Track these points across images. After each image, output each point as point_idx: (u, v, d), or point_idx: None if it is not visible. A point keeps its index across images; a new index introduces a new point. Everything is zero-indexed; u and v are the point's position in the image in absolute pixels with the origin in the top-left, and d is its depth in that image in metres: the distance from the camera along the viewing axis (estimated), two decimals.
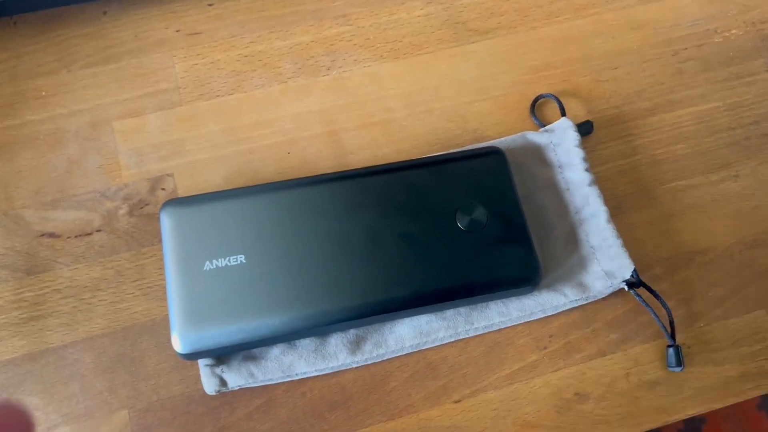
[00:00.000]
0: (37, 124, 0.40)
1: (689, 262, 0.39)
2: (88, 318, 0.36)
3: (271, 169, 0.40)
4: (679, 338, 0.37)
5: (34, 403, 0.34)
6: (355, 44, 0.43)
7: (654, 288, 0.37)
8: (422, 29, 0.44)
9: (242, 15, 0.44)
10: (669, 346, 0.36)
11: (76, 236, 0.37)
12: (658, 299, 0.37)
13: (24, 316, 0.36)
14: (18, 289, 0.36)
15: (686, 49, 0.44)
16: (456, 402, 0.35)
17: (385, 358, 0.36)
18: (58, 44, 0.42)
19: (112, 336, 0.36)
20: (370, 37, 0.44)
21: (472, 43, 0.44)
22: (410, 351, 0.36)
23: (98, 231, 0.38)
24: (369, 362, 0.36)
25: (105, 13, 0.43)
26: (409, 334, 0.36)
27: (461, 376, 0.36)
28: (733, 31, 0.45)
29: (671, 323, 0.36)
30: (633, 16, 0.45)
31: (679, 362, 0.36)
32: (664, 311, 0.37)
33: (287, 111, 0.41)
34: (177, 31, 0.43)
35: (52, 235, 0.37)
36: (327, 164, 0.40)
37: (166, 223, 0.35)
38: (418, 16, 0.44)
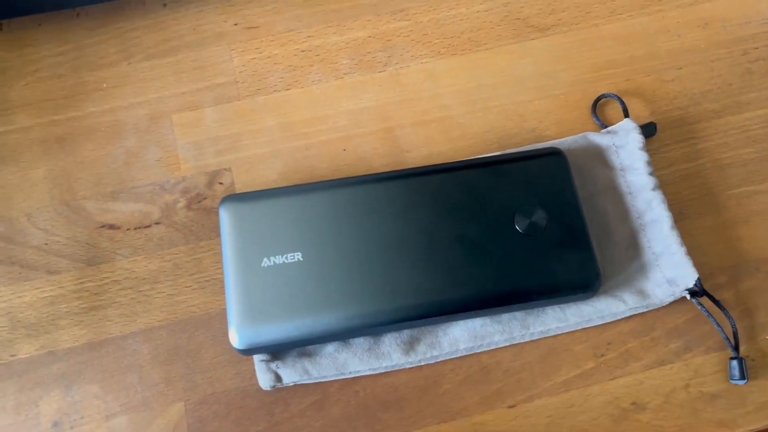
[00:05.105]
0: (98, 116, 0.41)
1: (754, 272, 0.38)
2: (146, 309, 0.36)
3: (326, 166, 0.40)
4: (743, 350, 0.36)
5: (93, 391, 0.35)
6: (412, 40, 0.43)
7: (717, 297, 0.36)
8: (481, 25, 0.43)
9: (299, 9, 0.43)
10: (732, 358, 0.35)
11: (135, 228, 0.38)
12: (721, 309, 0.36)
13: (85, 305, 0.36)
14: (79, 279, 0.37)
15: (757, 48, 0.43)
16: (510, 407, 0.35)
17: (438, 360, 0.35)
18: (119, 36, 0.43)
19: (169, 328, 0.36)
20: (427, 33, 0.43)
21: (532, 39, 0.43)
22: (464, 354, 0.36)
23: (157, 224, 0.38)
24: (422, 363, 0.35)
25: (165, 5, 0.43)
26: (463, 336, 0.35)
27: (516, 381, 0.35)
28: None
29: (735, 334, 0.35)
30: (700, 13, 0.44)
31: (743, 375, 0.35)
32: (727, 321, 0.36)
33: (343, 107, 0.41)
34: (235, 24, 0.43)
35: (111, 226, 0.38)
36: (382, 162, 0.40)
37: (225, 218, 0.35)
38: (477, 12, 0.43)
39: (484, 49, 0.43)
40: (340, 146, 0.40)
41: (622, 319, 0.36)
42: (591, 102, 0.41)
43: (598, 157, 0.39)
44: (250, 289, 0.34)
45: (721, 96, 0.42)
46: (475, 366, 0.36)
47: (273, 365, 0.34)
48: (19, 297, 0.37)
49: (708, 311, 0.35)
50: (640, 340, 0.36)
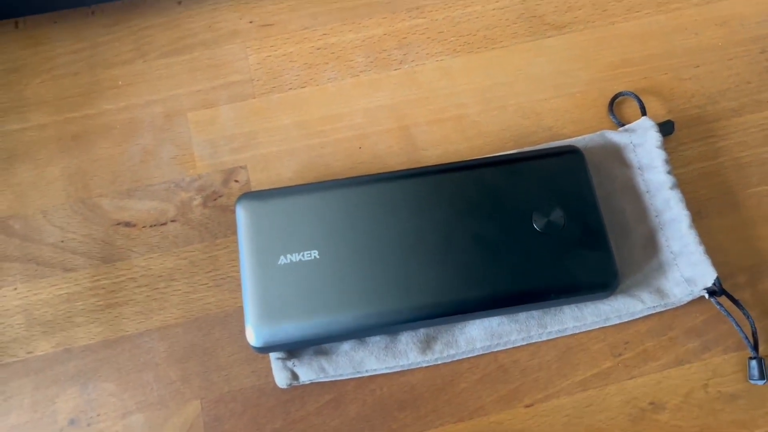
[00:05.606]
0: (113, 114, 0.41)
1: None
2: (162, 307, 0.36)
3: (341, 164, 0.39)
4: (762, 350, 0.36)
5: (109, 389, 0.35)
6: (428, 37, 0.43)
7: (736, 297, 0.36)
8: (497, 23, 0.43)
9: (315, 6, 0.43)
10: (751, 358, 0.35)
11: (151, 226, 0.38)
12: (740, 308, 0.35)
13: (101, 303, 0.36)
14: (95, 276, 0.37)
15: None
16: (527, 406, 0.35)
17: (455, 359, 0.35)
18: (133, 34, 0.43)
19: (185, 326, 0.36)
20: (443, 31, 0.43)
21: (548, 37, 0.43)
22: (481, 353, 0.35)
23: (172, 221, 0.38)
24: (439, 362, 0.35)
25: (179, 3, 0.43)
26: (480, 335, 0.35)
27: (533, 380, 0.35)
28: None
29: (754, 334, 0.35)
30: (717, 11, 0.43)
31: (762, 375, 0.34)
32: (746, 321, 0.35)
33: (359, 105, 0.41)
34: (250, 22, 0.43)
35: (127, 224, 0.38)
36: (398, 160, 0.40)
37: (242, 216, 0.35)
38: (493, 9, 0.43)
39: (500, 47, 0.42)
40: (355, 144, 0.40)
41: (640, 318, 0.36)
42: (608, 100, 0.41)
43: (616, 155, 0.38)
44: (266, 287, 0.33)
45: (740, 94, 0.41)
46: (492, 365, 0.35)
47: (289, 363, 0.34)
48: (36, 294, 0.37)
49: (727, 311, 0.35)
50: (658, 340, 0.36)
